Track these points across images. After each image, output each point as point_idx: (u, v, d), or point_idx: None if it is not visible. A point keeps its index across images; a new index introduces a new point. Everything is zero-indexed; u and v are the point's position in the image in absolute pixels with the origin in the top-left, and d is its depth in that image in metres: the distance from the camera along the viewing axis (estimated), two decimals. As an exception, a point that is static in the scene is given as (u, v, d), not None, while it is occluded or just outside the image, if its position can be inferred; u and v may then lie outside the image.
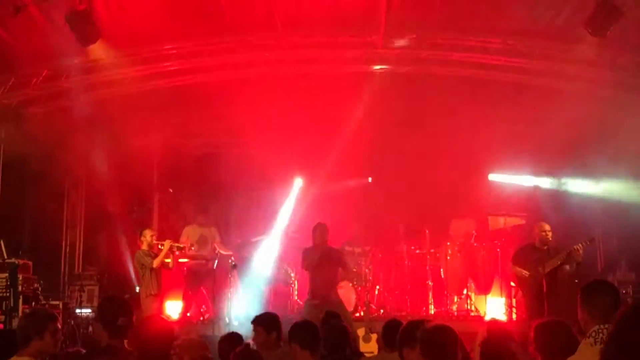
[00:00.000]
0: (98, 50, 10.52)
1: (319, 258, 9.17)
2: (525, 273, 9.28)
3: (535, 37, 10.57)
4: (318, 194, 13.28)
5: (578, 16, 9.51)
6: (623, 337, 1.87)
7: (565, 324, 4.37)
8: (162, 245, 9.84)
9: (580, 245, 9.14)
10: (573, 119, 10.82)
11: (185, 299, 11.41)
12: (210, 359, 4.81)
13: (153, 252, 9.79)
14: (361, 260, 11.79)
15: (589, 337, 3.51)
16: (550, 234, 9.36)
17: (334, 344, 5.27)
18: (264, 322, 6.15)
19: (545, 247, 9.36)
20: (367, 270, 11.68)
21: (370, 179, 13.51)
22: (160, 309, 10.22)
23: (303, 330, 5.06)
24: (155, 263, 9.56)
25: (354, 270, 11.41)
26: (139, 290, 10.02)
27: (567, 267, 9.12)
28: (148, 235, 9.86)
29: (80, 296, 11.15)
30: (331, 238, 9.74)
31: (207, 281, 11.05)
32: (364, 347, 9.14)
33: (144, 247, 9.81)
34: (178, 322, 11.01)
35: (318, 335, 5.07)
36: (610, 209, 11.56)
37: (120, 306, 4.39)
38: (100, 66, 11.02)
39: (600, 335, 3.44)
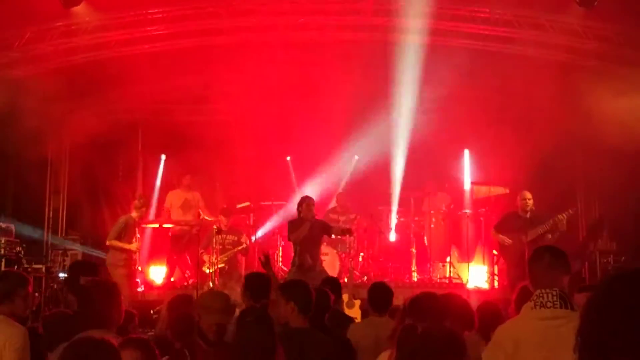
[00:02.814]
0: (82, 12, 10.40)
1: (306, 231, 9.18)
2: (508, 241, 9.41)
3: (523, 6, 10.60)
4: (304, 163, 13.30)
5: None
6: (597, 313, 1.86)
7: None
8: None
9: (564, 215, 9.28)
10: (557, 89, 10.92)
11: (169, 264, 11.43)
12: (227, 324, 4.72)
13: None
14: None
15: (530, 301, 3.54)
16: (531, 201, 9.50)
17: (315, 310, 5.23)
18: (256, 286, 5.90)
19: (528, 216, 9.47)
20: (351, 237, 11.75)
21: (356, 157, 13.45)
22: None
23: (303, 292, 4.90)
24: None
25: (339, 237, 11.49)
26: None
27: (550, 236, 9.27)
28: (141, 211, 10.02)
29: (64, 260, 11.13)
30: (316, 207, 9.78)
31: (191, 246, 11.05)
32: (347, 312, 9.21)
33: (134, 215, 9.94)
34: (162, 287, 11.08)
35: (312, 299, 4.99)
36: (593, 178, 11.71)
37: (83, 267, 4.38)
38: (84, 29, 10.89)
39: (541, 299, 3.46)
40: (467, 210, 11.85)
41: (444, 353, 3.00)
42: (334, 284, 6.66)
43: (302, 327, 4.71)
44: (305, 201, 9.35)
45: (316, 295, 5.30)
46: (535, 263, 3.74)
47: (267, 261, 7.60)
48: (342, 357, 4.89)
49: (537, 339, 3.39)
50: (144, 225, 11.22)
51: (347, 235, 10.58)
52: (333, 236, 10.52)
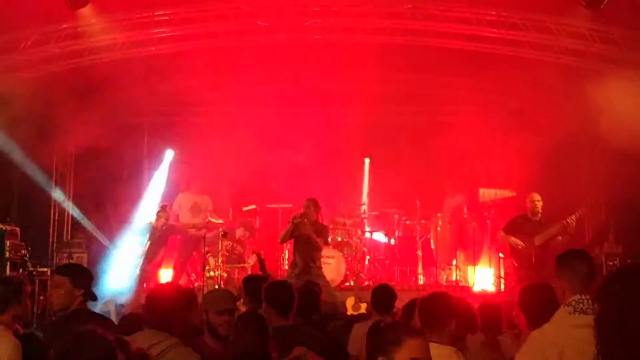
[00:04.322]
0: (88, 14, 10.37)
1: (299, 233, 9.15)
2: (521, 244, 9.37)
3: (529, 9, 10.60)
4: (309, 166, 13.31)
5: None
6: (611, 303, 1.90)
7: (549, 286, 4.36)
8: None
9: (573, 217, 9.27)
10: (563, 92, 10.91)
11: (176, 267, 11.42)
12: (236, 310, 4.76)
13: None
14: (352, 231, 11.85)
15: (568, 306, 3.43)
16: (540, 203, 9.50)
17: (302, 308, 5.26)
18: (254, 288, 5.86)
19: (538, 219, 9.46)
20: (357, 240, 11.77)
21: (367, 160, 13.49)
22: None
23: (278, 293, 4.98)
24: None
25: (345, 240, 11.52)
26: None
27: (560, 237, 9.26)
28: (163, 218, 10.05)
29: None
30: (323, 211, 9.74)
31: (198, 249, 11.04)
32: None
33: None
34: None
35: (293, 299, 5.01)
36: (598, 181, 11.72)
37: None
38: (90, 31, 10.87)
39: (581, 305, 3.38)
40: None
41: None
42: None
43: (285, 324, 4.77)
44: (304, 203, 9.31)
45: (304, 294, 5.37)
46: (573, 268, 3.66)
47: (262, 262, 7.64)
48: (330, 352, 4.90)
49: (584, 347, 3.10)
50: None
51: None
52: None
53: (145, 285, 10.39)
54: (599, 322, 1.89)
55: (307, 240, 9.15)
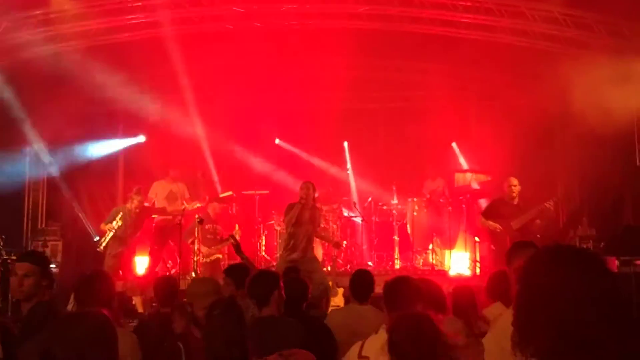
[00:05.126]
0: (60, 1, 10.26)
1: (298, 216, 9.10)
2: (498, 227, 9.42)
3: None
4: (286, 152, 13.33)
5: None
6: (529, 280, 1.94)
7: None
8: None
9: (551, 202, 9.36)
10: (536, 77, 10.98)
11: (152, 254, 11.37)
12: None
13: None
14: (329, 217, 11.89)
15: None
16: (517, 188, 9.54)
17: (290, 299, 5.21)
18: (236, 274, 5.84)
19: (516, 202, 9.54)
20: (334, 226, 11.83)
21: (346, 144, 13.56)
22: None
23: (258, 285, 4.88)
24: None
25: (322, 226, 11.53)
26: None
27: (538, 221, 9.36)
28: (136, 200, 9.95)
29: (44, 251, 11.03)
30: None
31: (174, 236, 11.00)
32: (330, 301, 9.26)
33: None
34: (145, 277, 11.02)
35: (273, 289, 4.94)
36: (572, 165, 11.85)
37: None
38: (62, 18, 10.74)
39: None
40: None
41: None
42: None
43: (272, 314, 4.70)
44: (303, 185, 9.24)
45: (291, 284, 5.30)
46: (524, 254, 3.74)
47: (237, 246, 7.56)
48: (318, 341, 4.88)
49: None
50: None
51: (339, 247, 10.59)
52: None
53: (120, 272, 10.31)
54: (515, 309, 1.92)
55: (307, 224, 9.14)
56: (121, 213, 9.86)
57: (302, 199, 8.99)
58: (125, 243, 10.22)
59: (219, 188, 12.83)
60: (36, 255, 4.45)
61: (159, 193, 11.38)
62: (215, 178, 13.16)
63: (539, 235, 9.38)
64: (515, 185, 9.53)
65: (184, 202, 11.24)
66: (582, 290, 1.81)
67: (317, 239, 11.22)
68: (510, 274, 3.90)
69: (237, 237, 10.71)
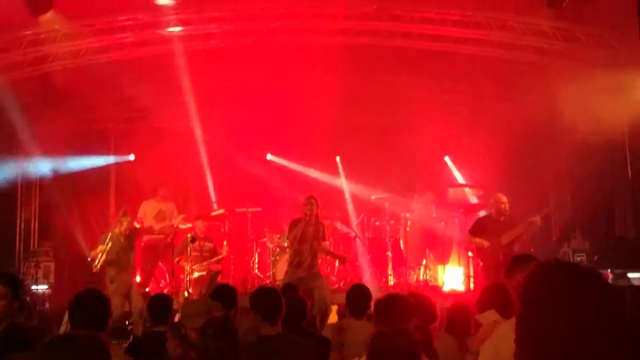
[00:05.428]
0: (51, 20, 10.25)
1: (302, 232, 9.07)
2: (486, 244, 9.36)
3: (492, 9, 10.69)
4: (280, 168, 13.32)
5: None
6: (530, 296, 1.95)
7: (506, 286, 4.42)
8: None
9: (538, 216, 9.33)
10: (527, 91, 11.00)
11: (143, 274, 11.29)
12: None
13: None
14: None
15: None
16: (506, 205, 9.49)
17: (290, 316, 5.20)
18: (222, 296, 5.76)
19: (502, 219, 9.49)
20: (327, 242, 11.74)
21: (338, 158, 13.58)
22: None
23: (265, 300, 4.95)
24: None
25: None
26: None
27: (525, 236, 9.31)
28: (125, 222, 9.70)
29: (36, 272, 10.98)
30: (298, 213, 9.67)
31: (165, 255, 10.93)
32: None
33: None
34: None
35: (281, 305, 4.97)
36: (564, 178, 11.85)
37: None
38: (53, 38, 10.75)
39: None
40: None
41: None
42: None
43: (272, 334, 4.69)
44: (306, 200, 9.20)
45: (291, 302, 5.28)
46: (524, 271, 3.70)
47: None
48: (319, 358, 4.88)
49: None
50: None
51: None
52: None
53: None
54: (517, 326, 1.91)
55: (311, 240, 9.09)
56: (110, 234, 9.63)
57: (306, 215, 8.97)
58: (123, 267, 9.83)
59: (215, 206, 12.76)
60: (7, 277, 4.37)
61: (147, 212, 11.32)
62: (213, 198, 13.12)
63: (532, 249, 9.37)
64: (502, 203, 9.46)
65: (174, 220, 11.19)
66: (584, 308, 1.81)
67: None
68: (511, 288, 3.87)
69: (224, 253, 10.68)
